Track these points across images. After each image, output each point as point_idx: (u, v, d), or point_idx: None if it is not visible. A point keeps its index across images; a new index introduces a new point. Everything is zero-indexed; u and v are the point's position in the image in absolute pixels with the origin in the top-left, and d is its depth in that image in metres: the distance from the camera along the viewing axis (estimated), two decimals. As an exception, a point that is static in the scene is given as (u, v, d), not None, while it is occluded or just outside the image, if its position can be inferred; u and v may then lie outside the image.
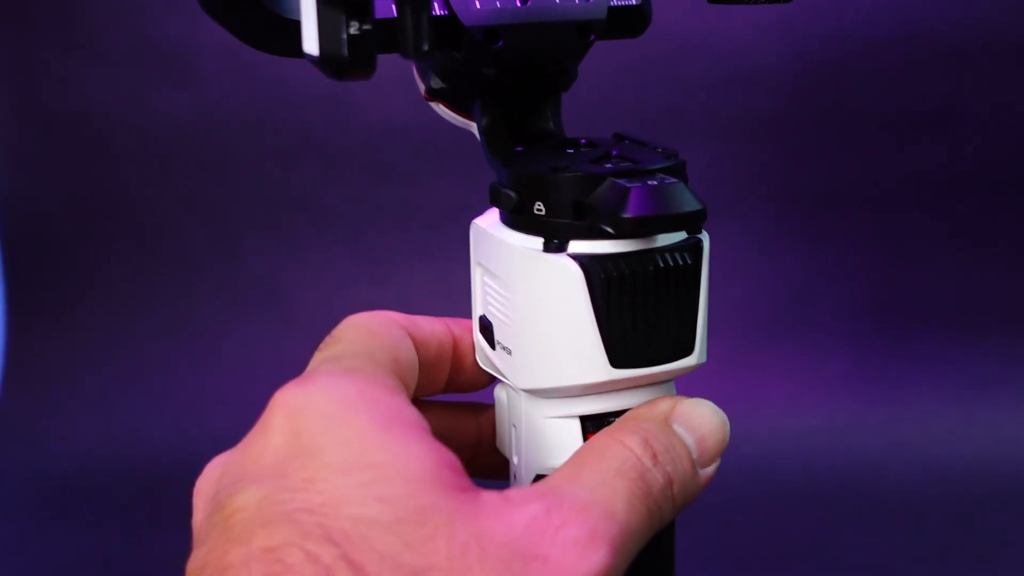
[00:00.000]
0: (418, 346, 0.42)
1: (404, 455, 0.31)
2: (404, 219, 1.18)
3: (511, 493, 0.32)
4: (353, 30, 0.34)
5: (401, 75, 0.47)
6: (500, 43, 0.42)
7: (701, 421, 0.38)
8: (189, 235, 1.21)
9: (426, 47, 0.32)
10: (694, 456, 0.37)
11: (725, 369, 1.13)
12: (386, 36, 0.36)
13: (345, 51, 0.34)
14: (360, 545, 0.28)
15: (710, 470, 0.38)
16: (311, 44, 0.35)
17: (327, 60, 0.34)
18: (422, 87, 0.47)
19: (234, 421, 1.15)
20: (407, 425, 0.33)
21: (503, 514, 0.30)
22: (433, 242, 1.16)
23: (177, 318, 1.20)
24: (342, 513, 0.29)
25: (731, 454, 1.19)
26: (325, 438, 0.31)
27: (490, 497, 0.31)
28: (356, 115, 1.17)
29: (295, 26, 0.36)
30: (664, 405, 0.39)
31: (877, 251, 1.15)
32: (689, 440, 0.38)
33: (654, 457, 0.35)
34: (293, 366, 1.23)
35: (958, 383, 1.13)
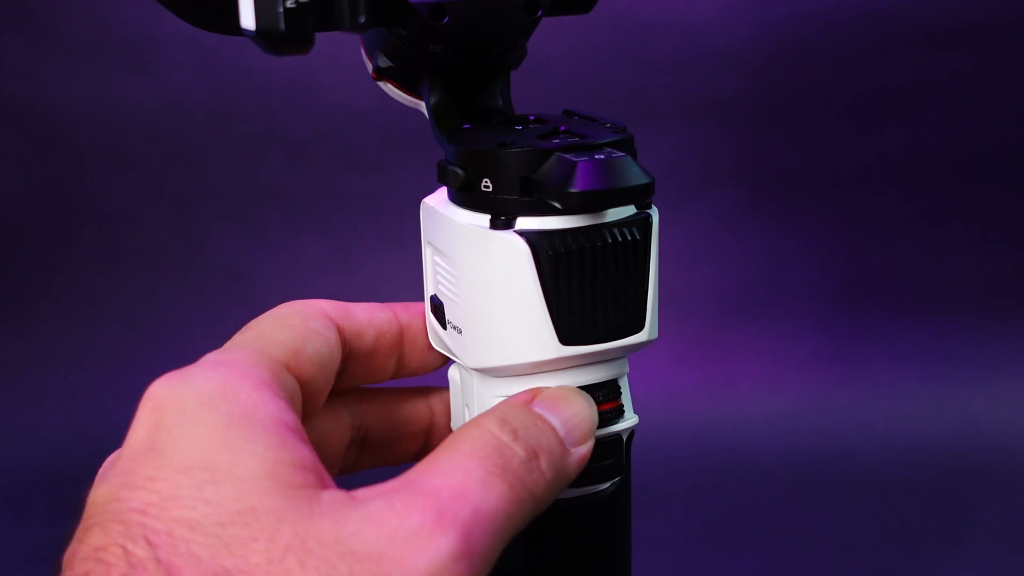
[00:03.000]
0: (350, 337, 0.41)
1: (243, 454, 0.30)
2: (371, 206, 1.18)
3: (359, 491, 0.31)
4: (290, 3, 0.33)
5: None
6: (446, 19, 0.41)
7: (564, 402, 0.37)
8: (154, 226, 1.20)
9: (363, 19, 0.32)
10: (560, 433, 0.36)
11: (694, 351, 1.13)
12: (324, 13, 0.35)
13: (282, 25, 0.33)
14: (178, 547, 0.28)
15: (583, 449, 0.36)
16: (248, 19, 0.35)
17: (264, 34, 0.34)
18: (370, 66, 0.46)
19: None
20: (258, 423, 0.32)
21: (340, 512, 0.30)
22: (400, 229, 1.16)
23: (142, 309, 1.19)
24: (169, 514, 0.29)
25: (701, 435, 1.20)
26: (174, 435, 0.31)
27: (333, 496, 0.30)
28: (321, 103, 1.16)
29: (233, 1, 0.36)
30: (525, 395, 0.38)
31: (845, 232, 1.15)
32: (553, 419, 0.36)
33: (513, 433, 0.34)
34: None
35: (926, 363, 1.13)
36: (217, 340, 1.19)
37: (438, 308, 0.42)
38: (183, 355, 1.21)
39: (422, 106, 0.46)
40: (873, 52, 1.13)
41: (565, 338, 0.38)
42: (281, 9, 0.33)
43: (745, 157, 1.15)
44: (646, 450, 1.12)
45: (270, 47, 0.34)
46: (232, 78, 1.16)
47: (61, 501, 1.06)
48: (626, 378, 0.42)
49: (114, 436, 1.11)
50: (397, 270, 1.17)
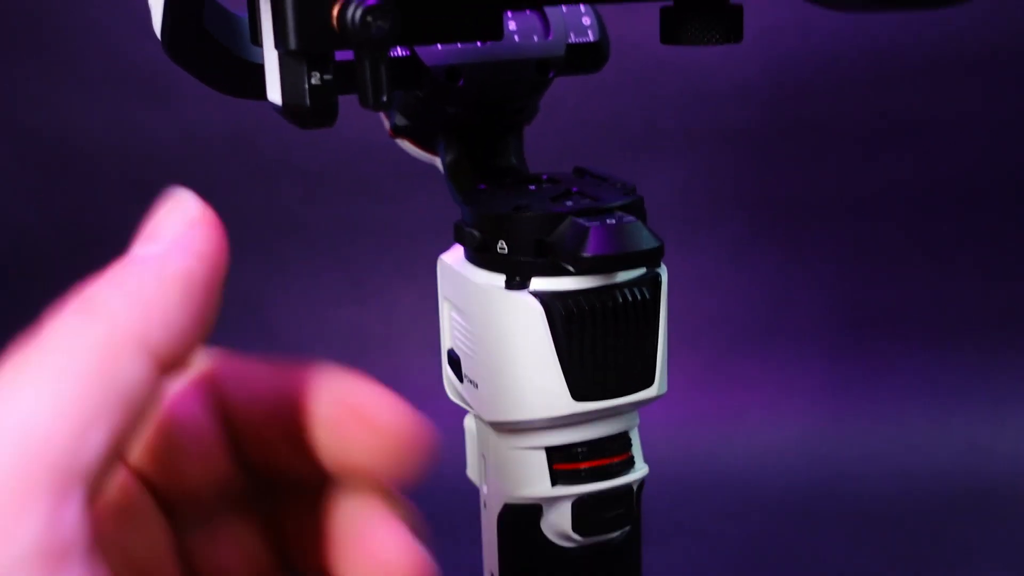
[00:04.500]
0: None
1: None
2: (386, 236, 1.19)
3: None
4: (315, 80, 0.34)
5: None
6: (461, 82, 0.43)
7: None
8: (171, 255, 1.21)
9: (385, 98, 0.33)
10: None
11: (703, 380, 1.14)
12: (347, 78, 0.36)
13: (307, 101, 0.35)
14: None
15: None
16: (275, 94, 0.36)
17: (290, 110, 0.35)
18: (387, 124, 0.48)
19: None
20: None
21: None
22: (415, 259, 1.17)
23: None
24: None
25: (709, 463, 1.20)
26: None
27: None
28: (336, 134, 1.18)
29: (261, 70, 0.37)
30: None
31: (851, 262, 1.16)
32: None
33: None
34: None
35: (932, 392, 1.14)
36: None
37: (455, 362, 0.43)
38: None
39: (438, 162, 0.47)
40: (876, 86, 1.14)
41: (577, 394, 0.39)
42: (307, 86, 0.34)
43: (752, 188, 1.16)
44: (655, 479, 1.13)
45: (296, 121, 0.35)
46: (248, 109, 1.17)
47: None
48: (636, 430, 0.43)
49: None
50: (411, 298, 1.19)
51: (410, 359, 1.15)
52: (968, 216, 1.16)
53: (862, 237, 1.17)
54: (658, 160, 1.14)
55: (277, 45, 0.34)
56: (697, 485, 1.06)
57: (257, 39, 0.37)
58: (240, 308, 1.20)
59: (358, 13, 0.32)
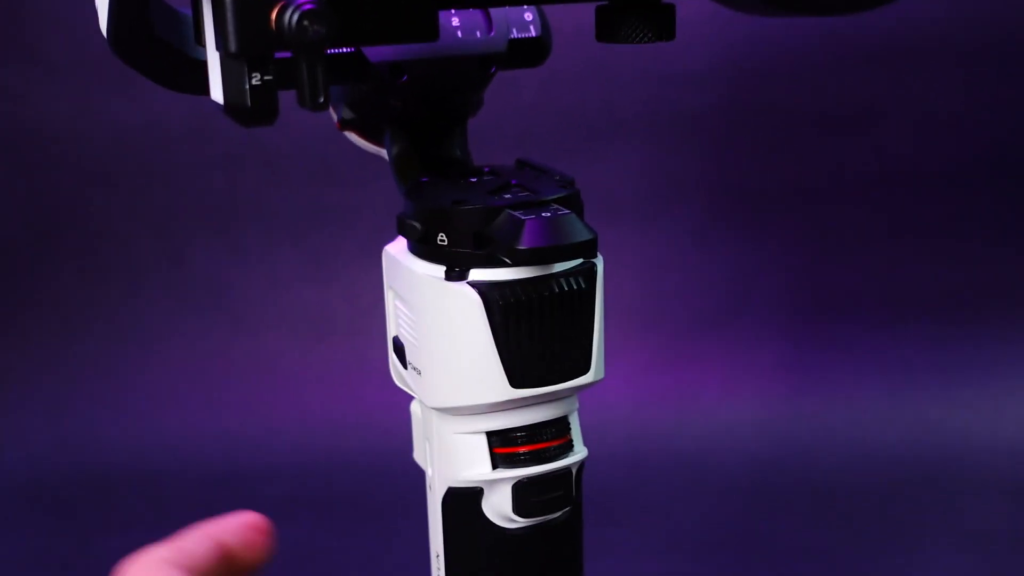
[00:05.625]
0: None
1: None
2: (348, 220, 1.20)
3: None
4: (255, 81, 0.35)
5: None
6: (405, 77, 0.44)
7: None
8: (135, 240, 1.22)
9: (322, 99, 0.34)
10: None
11: (660, 361, 1.15)
12: (289, 75, 0.37)
13: (248, 101, 0.36)
14: None
15: None
16: (217, 93, 0.37)
17: (232, 109, 0.36)
18: (335, 117, 0.49)
19: (183, 421, 1.16)
20: None
21: None
22: (377, 242, 1.17)
23: (125, 321, 1.21)
24: None
25: (666, 443, 1.21)
26: None
27: None
28: (299, 119, 1.18)
29: (206, 66, 0.38)
30: None
31: (806, 244, 1.18)
32: None
33: None
34: (241, 366, 1.24)
35: (885, 370, 1.16)
36: (198, 349, 1.21)
37: (400, 349, 0.45)
38: (165, 364, 1.22)
39: (385, 154, 0.48)
40: (834, 71, 1.16)
41: (515, 381, 0.41)
42: (247, 86, 0.35)
43: (711, 171, 1.18)
44: (611, 458, 1.15)
45: (238, 120, 0.36)
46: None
47: (45, 510, 1.08)
48: (576, 414, 0.44)
49: (97, 444, 1.13)
50: (373, 281, 1.20)
51: (372, 341, 1.16)
52: (917, 200, 1.18)
53: (818, 220, 1.18)
54: (617, 144, 1.15)
55: (218, 47, 0.35)
56: (654, 463, 1.08)
57: (200, 40, 0.38)
58: (204, 290, 1.21)
59: (295, 17, 0.33)
